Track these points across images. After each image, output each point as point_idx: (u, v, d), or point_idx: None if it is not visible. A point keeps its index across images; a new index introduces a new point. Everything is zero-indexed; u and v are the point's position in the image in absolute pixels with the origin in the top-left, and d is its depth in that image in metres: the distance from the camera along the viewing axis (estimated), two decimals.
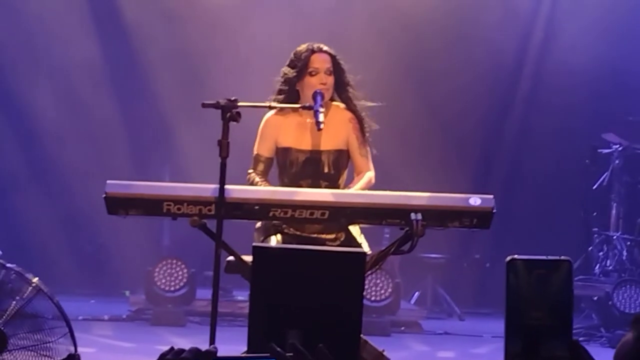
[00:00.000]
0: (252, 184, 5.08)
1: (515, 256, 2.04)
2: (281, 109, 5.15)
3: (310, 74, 5.14)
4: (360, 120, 5.20)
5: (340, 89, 5.22)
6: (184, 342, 7.80)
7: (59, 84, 10.49)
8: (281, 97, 5.14)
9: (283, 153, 5.16)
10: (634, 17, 10.44)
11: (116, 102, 10.59)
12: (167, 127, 10.56)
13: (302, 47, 5.22)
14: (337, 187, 5.10)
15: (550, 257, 2.03)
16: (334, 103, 5.24)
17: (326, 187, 5.03)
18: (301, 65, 5.15)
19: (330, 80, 5.16)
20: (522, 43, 10.75)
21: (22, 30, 10.39)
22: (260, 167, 5.18)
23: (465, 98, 10.63)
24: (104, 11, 10.52)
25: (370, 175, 5.18)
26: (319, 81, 5.12)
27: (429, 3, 10.51)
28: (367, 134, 5.20)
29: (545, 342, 2.01)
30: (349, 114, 5.21)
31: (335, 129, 5.17)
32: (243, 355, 2.01)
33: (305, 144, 5.15)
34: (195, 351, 1.96)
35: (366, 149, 5.22)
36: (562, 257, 2.01)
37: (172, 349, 1.98)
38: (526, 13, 10.73)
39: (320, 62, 5.15)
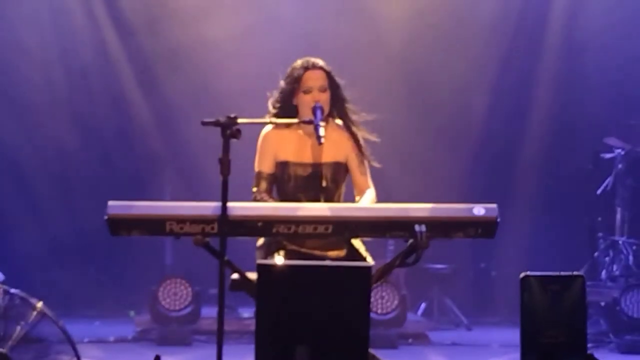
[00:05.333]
0: (259, 202, 5.04)
1: (529, 273, 2.03)
2: (278, 123, 5.13)
3: (304, 92, 5.13)
4: (357, 139, 5.18)
5: (337, 105, 5.19)
6: None
7: (51, 104, 10.46)
8: (277, 111, 5.13)
9: (281, 167, 5.14)
10: (635, 21, 10.43)
11: (115, 123, 10.57)
12: (167, 146, 10.54)
13: (298, 63, 5.21)
14: (335, 201, 5.09)
15: (563, 273, 2.01)
16: (334, 120, 5.22)
17: (319, 200, 5.03)
18: (294, 83, 5.15)
19: (324, 96, 5.14)
20: (523, 49, 10.72)
21: (16, 41, 10.37)
22: (264, 184, 5.14)
23: (465, 106, 10.61)
24: (101, 31, 10.50)
25: (373, 193, 5.17)
26: (313, 99, 5.10)
27: (428, 12, 10.50)
28: (365, 152, 5.18)
29: (561, 359, 1.99)
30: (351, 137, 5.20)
31: (335, 143, 5.16)
32: None
33: (305, 158, 5.13)
34: None
35: (365, 167, 5.21)
36: (575, 273, 2.00)
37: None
38: (530, 20, 10.70)
39: (313, 80, 5.14)
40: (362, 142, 5.20)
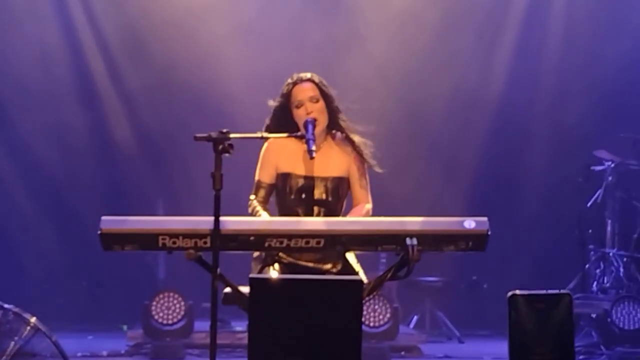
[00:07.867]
0: (253, 210, 5.09)
1: (517, 292, 2.05)
2: (269, 137, 5.15)
3: (297, 107, 5.16)
4: (357, 150, 5.20)
5: (330, 116, 5.22)
6: None
7: (48, 119, 10.47)
8: (272, 128, 5.15)
9: (283, 179, 5.17)
10: (621, 34, 10.48)
11: (107, 137, 10.59)
12: (159, 160, 10.56)
13: (287, 80, 5.25)
14: (336, 215, 5.11)
15: (550, 292, 2.04)
16: (337, 133, 5.25)
17: (319, 214, 5.05)
18: (285, 100, 5.18)
19: (318, 106, 5.15)
20: (513, 66, 10.77)
21: (12, 68, 10.41)
22: (262, 193, 5.18)
23: (456, 121, 10.65)
24: (95, 46, 10.53)
25: (368, 207, 5.19)
26: (305, 112, 5.13)
27: (423, 31, 10.55)
28: (368, 161, 5.21)
29: None
30: (350, 144, 5.22)
31: (336, 156, 5.19)
32: None
33: (305, 171, 5.14)
34: None
35: (366, 181, 5.23)
36: (562, 291, 2.03)
37: None
38: (516, 37, 10.75)
39: (302, 93, 5.16)
40: (364, 152, 5.22)
